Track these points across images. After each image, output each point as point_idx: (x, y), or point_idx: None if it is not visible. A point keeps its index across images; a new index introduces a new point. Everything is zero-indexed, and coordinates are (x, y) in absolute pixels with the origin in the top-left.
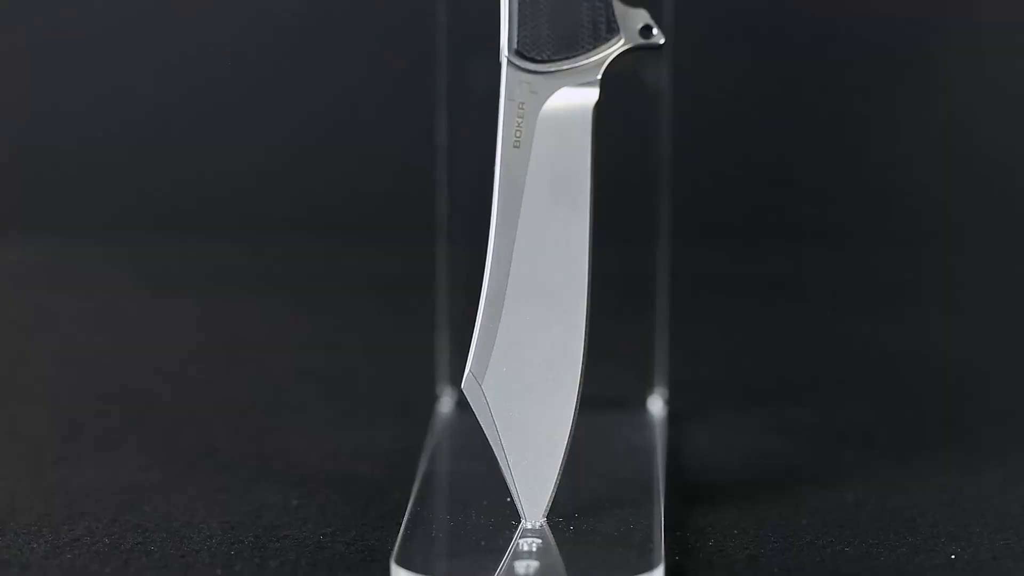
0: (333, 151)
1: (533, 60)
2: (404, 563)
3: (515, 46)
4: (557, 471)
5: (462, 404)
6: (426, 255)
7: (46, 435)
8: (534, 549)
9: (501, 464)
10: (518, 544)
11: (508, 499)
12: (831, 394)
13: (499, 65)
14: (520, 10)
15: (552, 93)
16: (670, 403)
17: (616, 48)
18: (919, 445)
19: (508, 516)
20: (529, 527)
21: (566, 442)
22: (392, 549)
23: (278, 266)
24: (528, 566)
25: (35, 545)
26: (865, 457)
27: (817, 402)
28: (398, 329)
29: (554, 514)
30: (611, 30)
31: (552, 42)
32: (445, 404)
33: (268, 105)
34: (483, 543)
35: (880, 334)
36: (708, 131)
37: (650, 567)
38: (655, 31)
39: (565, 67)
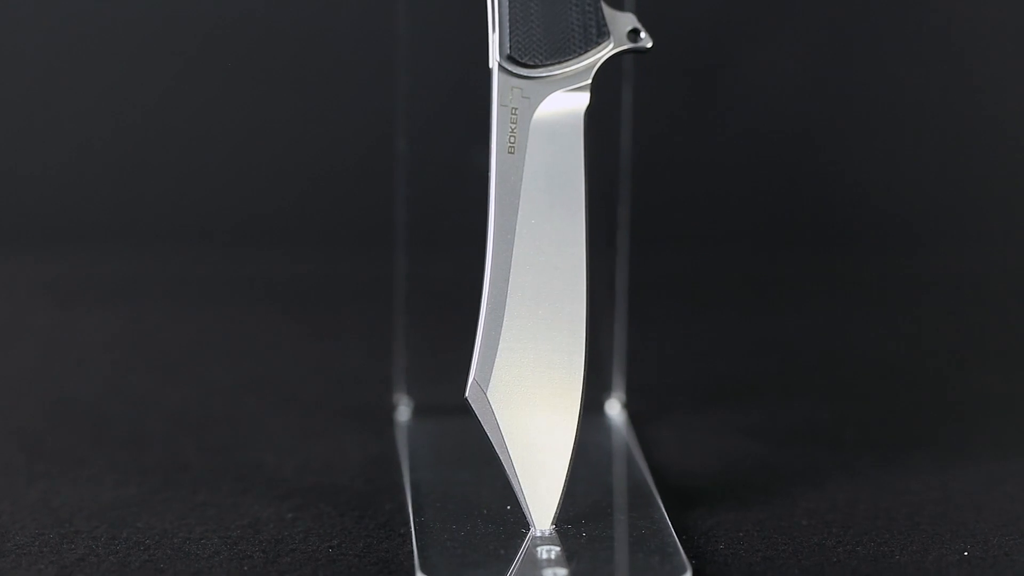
0: (285, 158)
1: (525, 65)
2: (432, 572)
3: (507, 51)
4: (564, 477)
5: (420, 413)
6: (366, 264)
7: (7, 454)
8: (552, 557)
9: (507, 471)
10: (537, 552)
11: (508, 507)
12: (787, 396)
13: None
14: (511, 15)
15: (544, 98)
16: (627, 407)
17: (606, 52)
18: (889, 444)
19: (515, 524)
20: (538, 535)
21: (572, 447)
22: (409, 560)
23: (214, 277)
24: (555, 574)
25: (42, 566)
26: (840, 457)
27: (774, 404)
28: (337, 339)
29: (558, 521)
30: (601, 33)
31: (543, 47)
32: (403, 413)
33: (216, 111)
34: (502, 551)
35: (831, 334)
36: (667, 135)
37: (679, 572)
38: (643, 34)
39: (557, 72)
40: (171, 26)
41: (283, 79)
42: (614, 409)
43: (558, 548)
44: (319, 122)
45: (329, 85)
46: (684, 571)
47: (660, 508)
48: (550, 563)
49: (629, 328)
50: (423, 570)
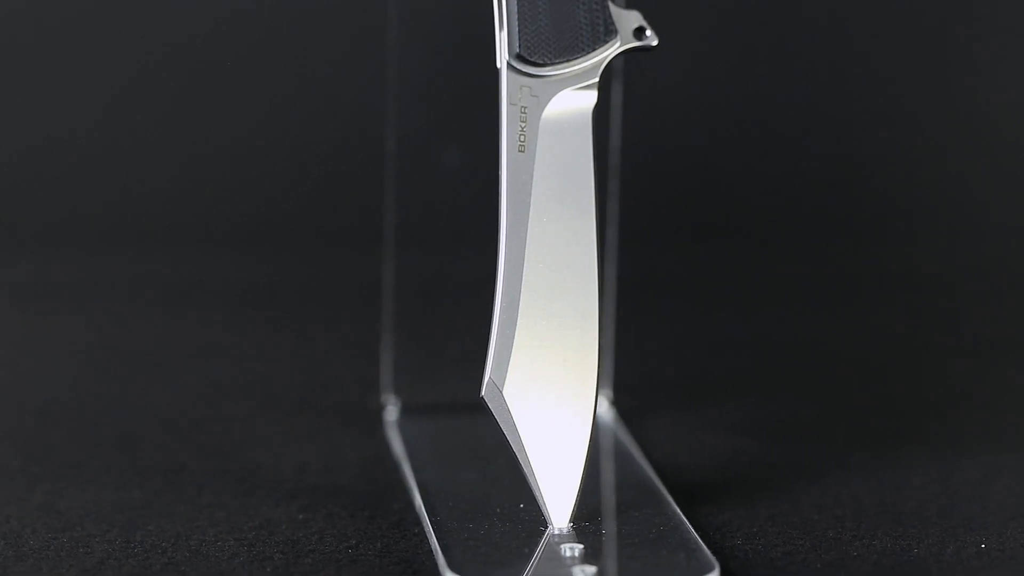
0: (271, 158)
1: (534, 63)
2: (461, 572)
3: (516, 50)
4: (581, 474)
5: (408, 412)
6: (347, 265)
7: (1, 457)
8: (577, 554)
9: (524, 469)
10: (561, 550)
11: (521, 505)
12: (773, 392)
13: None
14: (519, 13)
15: (553, 96)
16: (615, 404)
17: (613, 50)
18: (879, 438)
19: (531, 522)
20: (556, 532)
21: (587, 444)
22: (430, 560)
23: (197, 279)
24: (584, 571)
25: (63, 570)
26: (833, 452)
27: (761, 400)
28: (319, 340)
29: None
30: (609, 31)
31: (552, 45)
32: (391, 413)
33: (198, 109)
34: (525, 550)
35: (815, 330)
36: (654, 133)
37: (707, 570)
38: (648, 32)
39: (565, 70)
40: (148, 24)
41: (270, 79)
42: (602, 406)
43: (581, 546)
44: (306, 122)
45: (318, 85)
46: (712, 568)
47: (672, 505)
48: (575, 560)
49: (615, 325)
50: (452, 569)
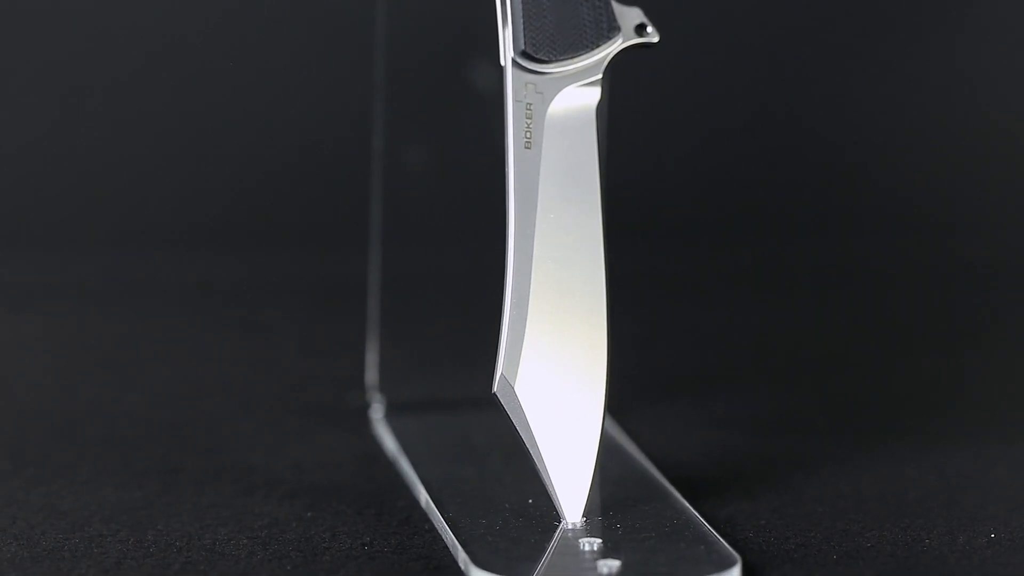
0: (258, 157)
1: (538, 60)
2: (487, 568)
3: (522, 47)
4: (592, 469)
5: (393, 410)
6: (331, 265)
7: None
8: (596, 549)
9: (537, 464)
10: (580, 545)
11: (530, 500)
12: (753, 386)
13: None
14: (524, 11)
15: (557, 93)
16: None
17: (616, 46)
18: (866, 431)
19: (542, 517)
20: (569, 527)
21: (598, 439)
22: (449, 556)
23: (167, 277)
24: (609, 565)
25: (82, 570)
26: (822, 445)
27: (742, 395)
28: (293, 339)
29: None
30: (612, 28)
31: (556, 42)
32: (377, 411)
33: (183, 106)
34: (546, 544)
35: (796, 325)
36: (640, 129)
37: (730, 563)
38: (649, 29)
39: (569, 67)
40: (129, 24)
41: (256, 77)
42: None
43: (600, 540)
44: (292, 120)
45: (304, 83)
46: (735, 561)
47: (680, 499)
48: (595, 555)
49: None
50: (477, 565)
